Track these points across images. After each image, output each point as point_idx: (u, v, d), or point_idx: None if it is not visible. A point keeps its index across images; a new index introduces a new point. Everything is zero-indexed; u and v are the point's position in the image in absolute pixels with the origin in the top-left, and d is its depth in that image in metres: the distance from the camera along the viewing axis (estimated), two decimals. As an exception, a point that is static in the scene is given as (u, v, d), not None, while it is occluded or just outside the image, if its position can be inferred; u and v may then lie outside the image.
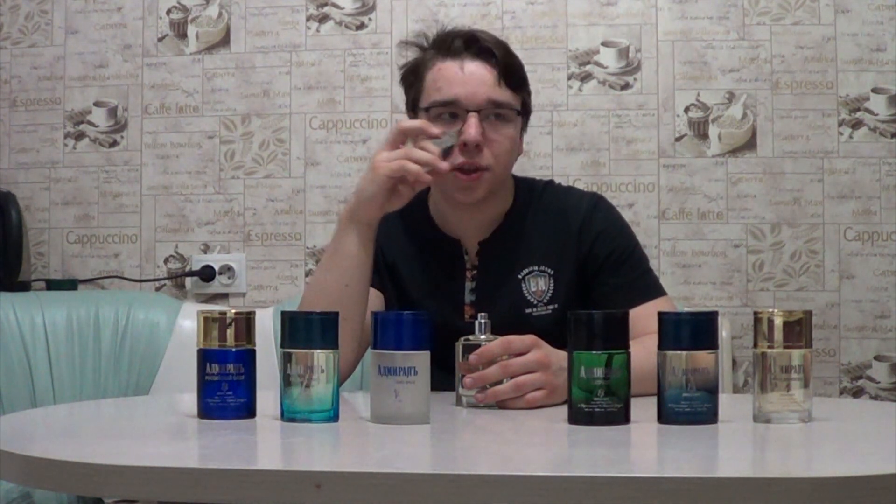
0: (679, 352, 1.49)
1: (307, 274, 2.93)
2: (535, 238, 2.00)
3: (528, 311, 1.96)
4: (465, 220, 2.01)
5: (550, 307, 1.96)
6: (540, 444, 1.46)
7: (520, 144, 2.00)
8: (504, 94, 1.92)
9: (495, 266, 1.99)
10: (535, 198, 2.04)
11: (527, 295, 1.97)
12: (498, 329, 1.71)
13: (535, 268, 1.98)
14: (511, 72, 1.94)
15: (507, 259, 1.99)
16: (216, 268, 2.95)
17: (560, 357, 1.61)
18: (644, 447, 1.44)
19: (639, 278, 1.99)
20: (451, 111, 1.91)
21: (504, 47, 1.96)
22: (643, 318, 1.81)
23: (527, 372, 1.65)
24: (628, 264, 1.99)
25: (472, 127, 1.87)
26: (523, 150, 2.05)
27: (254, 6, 2.98)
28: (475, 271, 2.00)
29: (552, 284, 1.97)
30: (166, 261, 2.99)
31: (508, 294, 1.97)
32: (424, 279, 2.00)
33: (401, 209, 1.88)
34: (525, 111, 1.99)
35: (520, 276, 1.97)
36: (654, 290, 1.99)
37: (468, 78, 1.90)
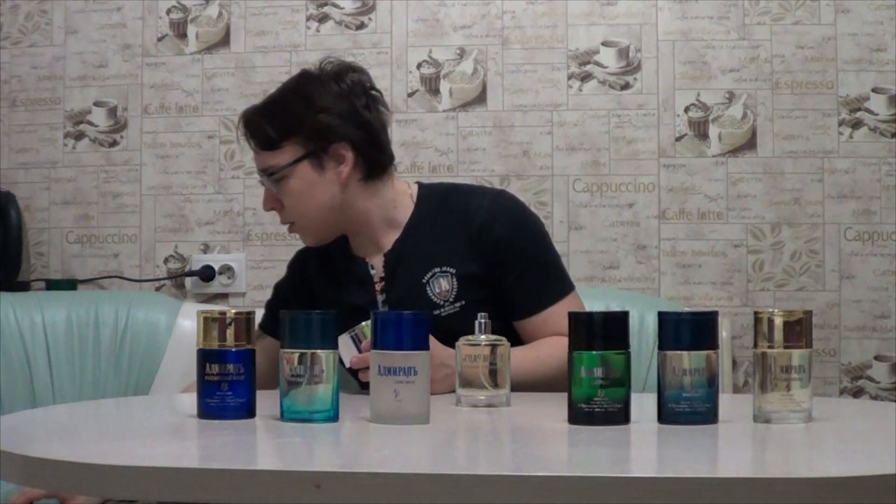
0: (679, 352, 1.49)
1: (307, 274, 2.93)
2: (436, 241, 2.03)
3: (436, 312, 1.99)
4: (366, 240, 2.07)
5: (457, 304, 2.00)
6: (540, 444, 1.46)
7: (331, 179, 2.00)
8: (265, 160, 2.02)
9: (400, 274, 2.04)
10: (438, 202, 2.08)
11: (432, 297, 2.00)
12: None
13: (438, 269, 2.01)
14: (258, 137, 2.02)
15: (410, 266, 2.03)
16: (216, 268, 2.95)
17: (445, 354, 1.78)
18: (644, 447, 1.44)
19: (544, 281, 2.03)
20: None
21: (261, 112, 2.03)
22: (555, 317, 1.94)
23: None
24: (533, 269, 2.02)
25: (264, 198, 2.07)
26: (350, 174, 2.01)
27: (254, 6, 2.98)
28: (383, 283, 2.05)
29: (455, 283, 2.01)
30: (166, 261, 2.99)
31: (416, 299, 2.01)
32: (341, 301, 2.04)
33: (326, 245, 2.08)
34: (310, 152, 1.99)
35: (424, 280, 2.02)
36: (560, 289, 2.03)
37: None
